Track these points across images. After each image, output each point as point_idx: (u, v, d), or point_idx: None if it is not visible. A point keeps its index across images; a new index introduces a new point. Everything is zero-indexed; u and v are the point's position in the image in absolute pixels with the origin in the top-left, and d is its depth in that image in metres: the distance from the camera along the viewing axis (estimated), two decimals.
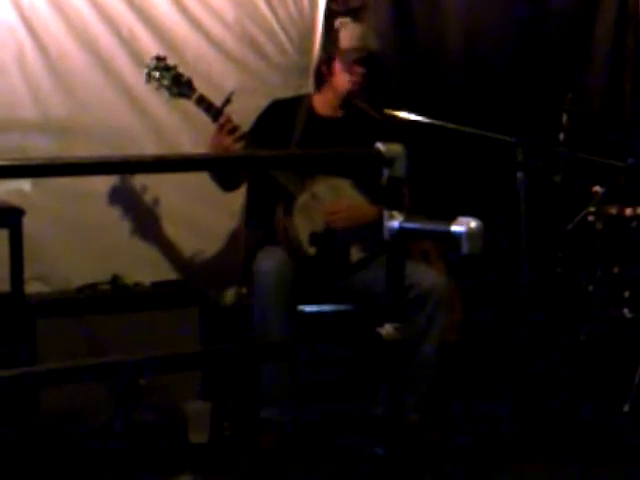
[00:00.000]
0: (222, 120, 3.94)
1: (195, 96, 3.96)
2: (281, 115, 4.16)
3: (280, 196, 4.01)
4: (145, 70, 3.99)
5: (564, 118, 4.50)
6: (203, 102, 3.96)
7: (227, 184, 4.15)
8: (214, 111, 3.96)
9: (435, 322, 3.90)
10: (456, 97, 4.89)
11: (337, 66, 4.14)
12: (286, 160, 2.76)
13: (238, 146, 3.93)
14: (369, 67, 4.10)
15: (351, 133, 4.10)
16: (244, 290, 4.18)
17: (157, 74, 3.97)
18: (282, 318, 3.82)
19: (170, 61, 4.01)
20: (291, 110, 4.18)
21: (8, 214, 3.87)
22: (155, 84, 3.99)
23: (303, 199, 4.01)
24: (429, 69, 4.97)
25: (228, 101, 3.97)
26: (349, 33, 4.14)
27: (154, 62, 3.99)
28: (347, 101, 4.16)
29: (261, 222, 4.15)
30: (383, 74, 4.24)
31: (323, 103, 4.21)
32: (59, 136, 4.30)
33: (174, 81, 3.97)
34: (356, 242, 4.05)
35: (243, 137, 3.95)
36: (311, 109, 4.20)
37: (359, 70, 4.10)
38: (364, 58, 4.08)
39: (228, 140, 3.93)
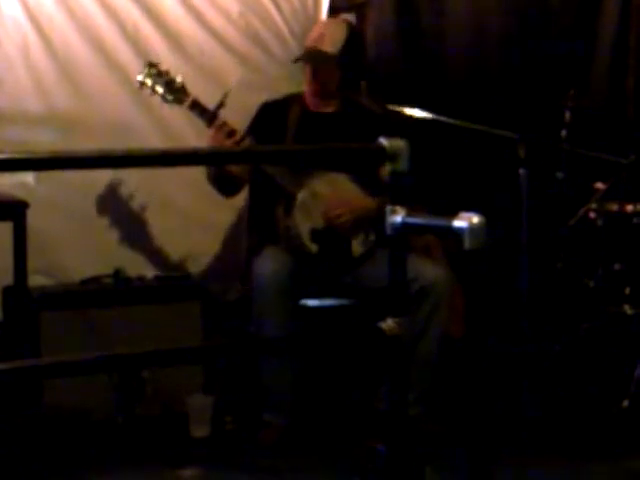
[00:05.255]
0: (217, 124, 3.90)
1: (188, 101, 3.90)
2: (273, 116, 4.13)
3: (280, 196, 4.01)
4: (138, 77, 3.94)
5: (566, 114, 4.50)
6: (197, 107, 3.91)
7: (226, 191, 4.13)
8: (208, 115, 3.91)
9: (437, 316, 3.92)
10: (459, 93, 4.89)
11: None
12: (287, 155, 2.77)
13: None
14: (317, 68, 4.08)
15: (345, 127, 4.09)
16: (245, 286, 4.18)
17: (150, 81, 3.92)
18: (280, 322, 3.82)
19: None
20: (283, 109, 4.15)
21: (12, 207, 3.88)
22: (148, 91, 3.95)
23: (302, 197, 4.00)
24: (432, 65, 4.97)
25: (222, 104, 3.91)
26: (313, 32, 4.14)
27: (146, 69, 3.93)
28: (344, 99, 4.15)
29: (262, 222, 4.15)
30: (340, 74, 4.13)
31: (311, 99, 4.20)
32: (63, 129, 4.31)
33: (167, 87, 3.91)
34: (357, 236, 4.05)
35: (241, 140, 3.92)
36: (304, 106, 4.18)
37: (308, 70, 4.10)
38: (309, 59, 4.08)
39: (226, 144, 3.87)
